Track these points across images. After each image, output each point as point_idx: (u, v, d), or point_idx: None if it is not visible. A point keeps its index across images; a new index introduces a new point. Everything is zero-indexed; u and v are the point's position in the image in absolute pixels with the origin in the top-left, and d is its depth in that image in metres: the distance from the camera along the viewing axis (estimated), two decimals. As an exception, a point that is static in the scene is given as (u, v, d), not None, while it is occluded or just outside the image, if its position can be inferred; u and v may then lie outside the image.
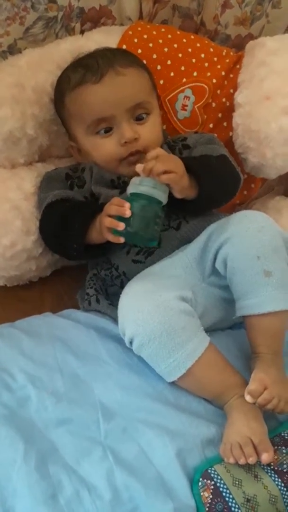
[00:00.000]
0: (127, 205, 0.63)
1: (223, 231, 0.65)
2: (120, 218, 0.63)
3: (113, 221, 0.63)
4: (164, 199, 0.65)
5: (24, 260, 0.77)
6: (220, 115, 0.88)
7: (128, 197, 0.64)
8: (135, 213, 0.62)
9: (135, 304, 0.62)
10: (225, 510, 0.52)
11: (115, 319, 0.68)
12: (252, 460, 0.54)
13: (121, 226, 0.62)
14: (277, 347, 0.63)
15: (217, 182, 0.72)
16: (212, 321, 0.69)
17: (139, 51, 0.82)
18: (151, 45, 0.83)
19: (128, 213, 0.62)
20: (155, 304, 0.60)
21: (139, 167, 0.66)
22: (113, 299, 0.73)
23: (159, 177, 0.64)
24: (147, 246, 0.69)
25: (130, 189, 0.65)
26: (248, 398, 0.58)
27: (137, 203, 0.63)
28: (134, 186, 0.65)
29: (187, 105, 0.85)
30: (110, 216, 0.64)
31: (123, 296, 0.64)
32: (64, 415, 0.59)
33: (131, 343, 0.62)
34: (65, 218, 0.71)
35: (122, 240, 0.64)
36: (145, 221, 0.63)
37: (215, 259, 0.66)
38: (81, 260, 0.79)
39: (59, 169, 0.81)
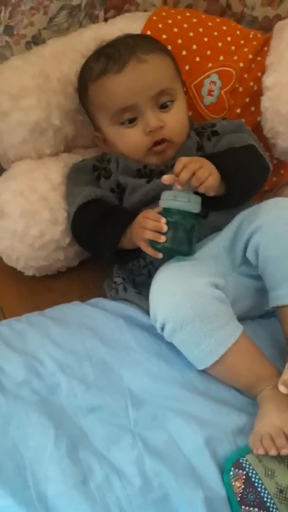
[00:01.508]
0: (163, 220, 0.62)
1: (254, 220, 0.64)
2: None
3: (154, 233, 0.62)
4: (198, 209, 0.64)
5: (53, 250, 0.78)
6: (247, 99, 0.85)
7: (162, 212, 0.63)
8: (171, 228, 0.62)
9: (168, 289, 0.61)
10: (257, 500, 0.52)
11: (142, 308, 0.68)
12: (285, 451, 0.53)
13: (163, 238, 0.62)
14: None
15: (246, 177, 0.70)
16: (242, 310, 0.67)
17: (164, 36, 0.81)
18: (175, 30, 0.82)
19: (165, 228, 0.62)
20: (188, 289, 0.59)
21: (166, 179, 0.64)
22: (140, 288, 0.73)
23: (200, 187, 0.62)
24: (185, 257, 0.67)
25: (163, 204, 0.64)
26: (282, 388, 0.56)
27: (172, 219, 0.62)
28: (168, 202, 0.63)
29: (213, 91, 0.83)
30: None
31: (155, 281, 0.64)
32: (93, 402, 0.59)
33: (162, 329, 0.61)
34: (98, 226, 0.72)
35: (160, 256, 0.63)
36: (182, 235, 0.63)
37: (246, 248, 0.65)
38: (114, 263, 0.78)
39: (86, 160, 0.81)
